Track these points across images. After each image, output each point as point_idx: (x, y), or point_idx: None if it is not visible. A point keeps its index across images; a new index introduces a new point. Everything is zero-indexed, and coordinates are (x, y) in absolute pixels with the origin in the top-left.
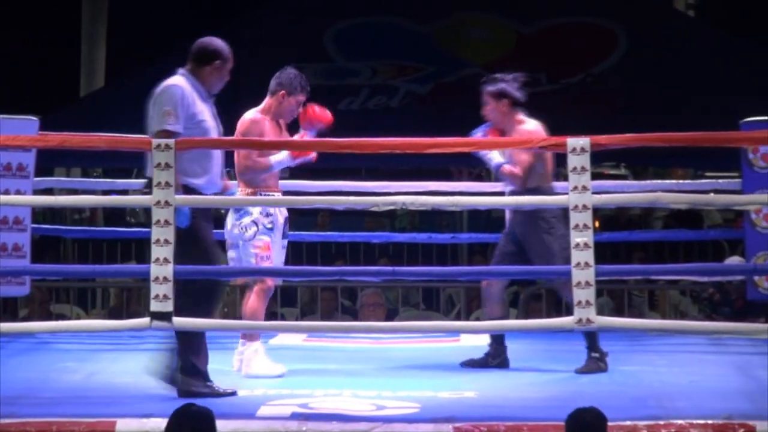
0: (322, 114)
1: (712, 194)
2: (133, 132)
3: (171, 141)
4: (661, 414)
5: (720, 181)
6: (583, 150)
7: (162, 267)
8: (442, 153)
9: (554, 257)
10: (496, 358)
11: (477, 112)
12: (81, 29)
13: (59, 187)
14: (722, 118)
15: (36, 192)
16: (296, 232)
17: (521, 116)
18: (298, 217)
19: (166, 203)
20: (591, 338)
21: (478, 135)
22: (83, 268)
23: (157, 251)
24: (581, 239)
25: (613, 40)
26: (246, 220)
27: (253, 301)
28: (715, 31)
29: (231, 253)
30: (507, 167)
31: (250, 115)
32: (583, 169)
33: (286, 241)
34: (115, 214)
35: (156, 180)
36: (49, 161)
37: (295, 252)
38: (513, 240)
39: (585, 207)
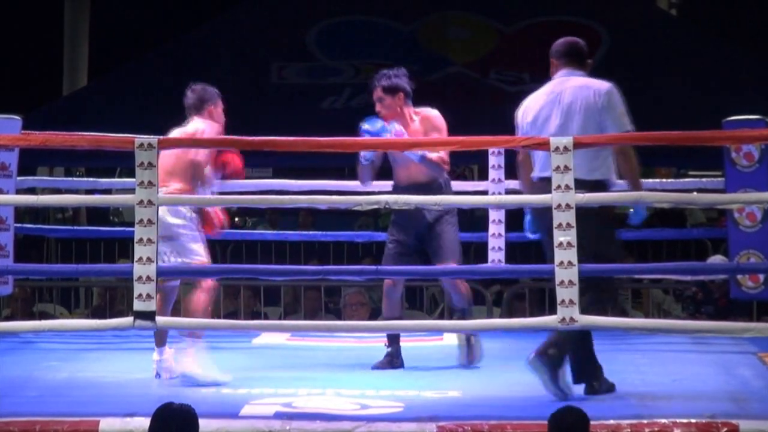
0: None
1: (695, 193)
2: (117, 130)
3: (154, 140)
4: (645, 413)
5: (703, 180)
6: (566, 149)
7: (145, 266)
8: None
9: (458, 252)
10: (396, 358)
11: (461, 111)
12: (63, 27)
13: (42, 187)
14: (705, 117)
15: (19, 191)
16: (280, 232)
17: (414, 108)
18: (281, 217)
19: (149, 202)
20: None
21: (391, 133)
22: (66, 268)
23: (140, 250)
24: (564, 238)
25: (596, 38)
26: (189, 214)
27: (203, 299)
28: (698, 30)
29: (163, 247)
30: (432, 154)
31: (196, 124)
32: (566, 168)
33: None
34: (98, 214)
35: (138, 179)
36: (32, 160)
37: (279, 251)
38: (411, 237)
39: (568, 206)
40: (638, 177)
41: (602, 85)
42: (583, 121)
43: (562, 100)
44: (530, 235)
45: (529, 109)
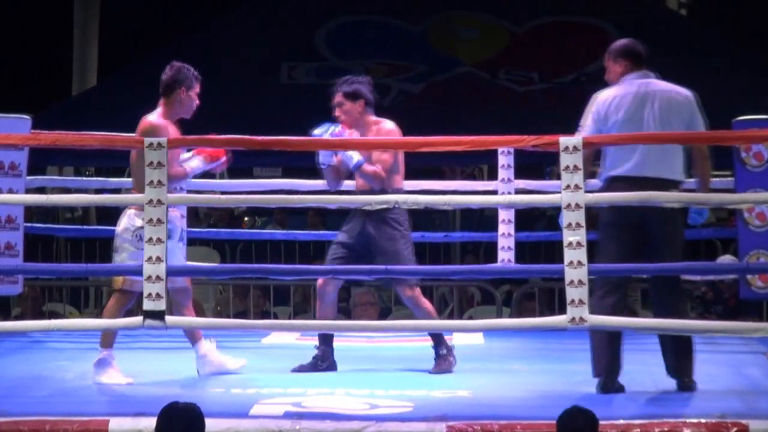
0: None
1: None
2: (126, 130)
3: (163, 139)
4: (655, 413)
5: (713, 179)
6: (575, 149)
7: (155, 266)
8: (435, 152)
9: (404, 260)
10: (324, 360)
11: (470, 111)
12: (73, 27)
13: (52, 186)
14: (714, 116)
15: (28, 191)
16: (289, 231)
17: (374, 117)
18: (290, 216)
19: (159, 202)
20: (436, 337)
21: (332, 134)
22: (76, 267)
23: (149, 250)
24: (574, 238)
25: (605, 39)
26: (139, 223)
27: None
28: (707, 30)
29: (117, 257)
30: (368, 166)
31: (154, 119)
32: (576, 167)
33: (183, 243)
34: (107, 213)
35: (148, 178)
36: (41, 160)
37: (288, 251)
38: (357, 242)
39: (578, 206)
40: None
41: (686, 91)
42: (678, 125)
43: (653, 102)
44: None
45: (618, 106)
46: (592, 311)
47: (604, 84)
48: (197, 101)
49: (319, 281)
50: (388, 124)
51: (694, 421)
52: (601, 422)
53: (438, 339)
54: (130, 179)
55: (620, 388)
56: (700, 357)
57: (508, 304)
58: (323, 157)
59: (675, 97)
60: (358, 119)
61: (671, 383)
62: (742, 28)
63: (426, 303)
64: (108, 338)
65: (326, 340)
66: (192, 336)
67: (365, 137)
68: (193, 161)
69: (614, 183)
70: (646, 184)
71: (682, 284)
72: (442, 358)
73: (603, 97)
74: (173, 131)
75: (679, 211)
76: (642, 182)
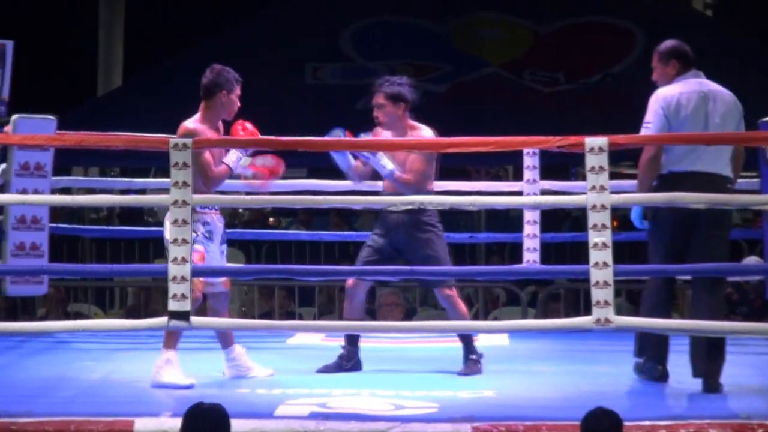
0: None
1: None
2: (151, 130)
3: (188, 140)
4: (680, 414)
5: (738, 180)
6: (601, 149)
7: (180, 266)
8: (460, 152)
9: (443, 261)
10: (350, 360)
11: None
12: (98, 28)
13: (77, 187)
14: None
15: (54, 191)
16: (314, 232)
17: (412, 122)
18: (315, 217)
19: (184, 202)
20: (466, 341)
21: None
22: (101, 268)
23: (174, 251)
24: (599, 239)
25: (632, 39)
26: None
27: None
28: (733, 31)
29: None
30: (401, 174)
31: (191, 125)
32: (602, 168)
33: (225, 246)
34: (133, 214)
35: (173, 179)
36: (66, 160)
37: (313, 252)
38: (389, 246)
39: (603, 207)
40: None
41: (730, 93)
42: (733, 125)
43: (714, 101)
44: (639, 226)
45: (684, 104)
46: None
47: (630, 84)
48: (238, 104)
49: (349, 282)
50: (426, 131)
51: (720, 422)
52: (626, 423)
53: (469, 344)
54: (155, 180)
55: (662, 376)
56: (725, 358)
57: (534, 305)
58: (340, 164)
59: (728, 97)
60: (396, 122)
61: (696, 384)
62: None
63: (462, 305)
64: (171, 339)
65: (352, 340)
66: (224, 339)
67: (395, 138)
68: (231, 156)
69: (676, 178)
70: (705, 180)
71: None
72: (473, 362)
73: (668, 95)
74: (212, 135)
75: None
76: (702, 177)
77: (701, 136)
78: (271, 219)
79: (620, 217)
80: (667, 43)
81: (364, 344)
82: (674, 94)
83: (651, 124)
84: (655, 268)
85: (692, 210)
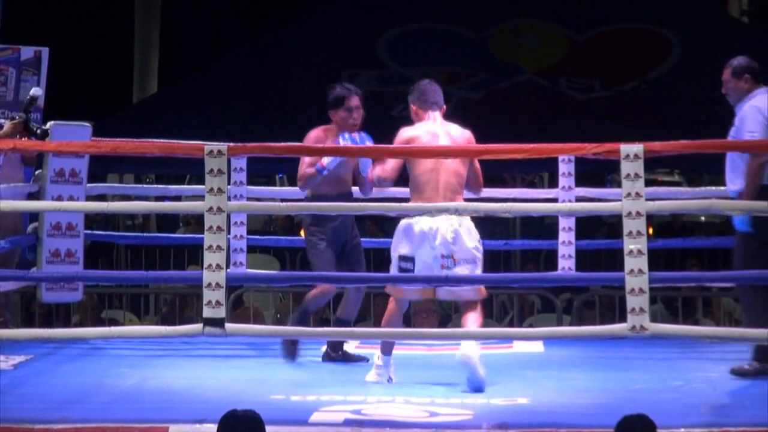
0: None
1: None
2: (186, 137)
3: (224, 147)
4: (714, 421)
5: None
6: (636, 157)
7: (214, 273)
8: (496, 159)
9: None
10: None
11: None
12: (134, 35)
13: (112, 193)
14: None
15: (89, 198)
16: None
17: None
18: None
19: (219, 209)
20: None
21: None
22: (136, 274)
23: (209, 257)
24: (635, 246)
25: (668, 46)
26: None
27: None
28: None
29: (462, 269)
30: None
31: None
32: (637, 175)
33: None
34: (168, 220)
35: (208, 186)
36: (102, 167)
37: None
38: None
39: (638, 214)
40: None
41: None
42: None
43: None
44: (741, 228)
45: None
46: None
47: (666, 91)
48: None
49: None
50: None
51: (754, 429)
52: (660, 430)
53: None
54: (190, 186)
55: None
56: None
57: (569, 312)
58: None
59: None
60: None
61: (731, 391)
62: None
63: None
64: (388, 345)
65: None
66: (386, 346)
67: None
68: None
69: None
70: None
71: None
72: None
73: (764, 106)
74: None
75: None
76: None
77: (739, 144)
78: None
79: (655, 224)
80: (740, 59)
81: (399, 352)
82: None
83: (756, 133)
84: (691, 275)
85: None
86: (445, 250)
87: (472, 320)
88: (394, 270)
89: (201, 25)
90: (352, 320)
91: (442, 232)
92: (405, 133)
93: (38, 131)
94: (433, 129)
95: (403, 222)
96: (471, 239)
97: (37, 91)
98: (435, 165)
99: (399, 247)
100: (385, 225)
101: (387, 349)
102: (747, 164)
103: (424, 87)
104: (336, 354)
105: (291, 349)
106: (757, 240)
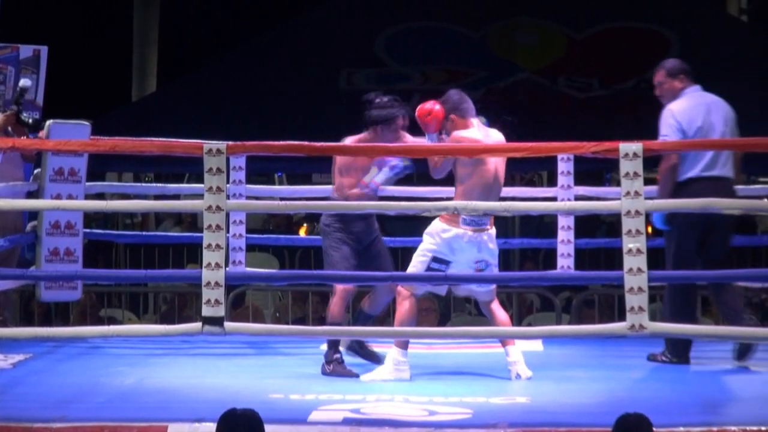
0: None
1: (766, 199)
2: (185, 136)
3: (222, 145)
4: (714, 420)
5: (766, 186)
6: (635, 155)
7: (214, 272)
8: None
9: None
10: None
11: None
12: (133, 33)
13: (111, 192)
14: None
15: (88, 197)
16: None
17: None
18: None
19: (218, 208)
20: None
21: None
22: (135, 273)
23: (208, 256)
24: (634, 245)
25: (666, 45)
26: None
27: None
28: None
29: (491, 270)
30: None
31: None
32: (636, 174)
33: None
34: (166, 219)
35: (207, 184)
36: (101, 166)
37: None
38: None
39: (638, 212)
40: None
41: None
42: (735, 131)
43: (717, 111)
44: (659, 226)
45: (693, 118)
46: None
47: None
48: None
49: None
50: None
51: (754, 428)
52: (659, 429)
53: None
54: (189, 185)
55: None
56: (759, 364)
57: (568, 310)
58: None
59: (725, 105)
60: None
61: (730, 390)
62: None
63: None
64: (404, 341)
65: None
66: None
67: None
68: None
69: (691, 183)
70: (717, 183)
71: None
72: (336, 363)
73: (680, 109)
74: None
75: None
76: (717, 181)
77: (729, 142)
78: (305, 224)
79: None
80: (673, 61)
81: None
82: (684, 109)
83: (668, 136)
84: (691, 274)
85: (711, 213)
86: (484, 255)
87: (502, 316)
88: (419, 267)
89: (200, 24)
90: (376, 315)
91: (485, 239)
92: (462, 134)
93: (30, 121)
94: (486, 133)
95: (451, 229)
96: (493, 242)
97: (26, 83)
98: (496, 169)
99: (437, 250)
100: (385, 224)
101: (405, 345)
102: (659, 165)
103: (459, 96)
104: (363, 351)
105: (371, 355)
106: (675, 233)
